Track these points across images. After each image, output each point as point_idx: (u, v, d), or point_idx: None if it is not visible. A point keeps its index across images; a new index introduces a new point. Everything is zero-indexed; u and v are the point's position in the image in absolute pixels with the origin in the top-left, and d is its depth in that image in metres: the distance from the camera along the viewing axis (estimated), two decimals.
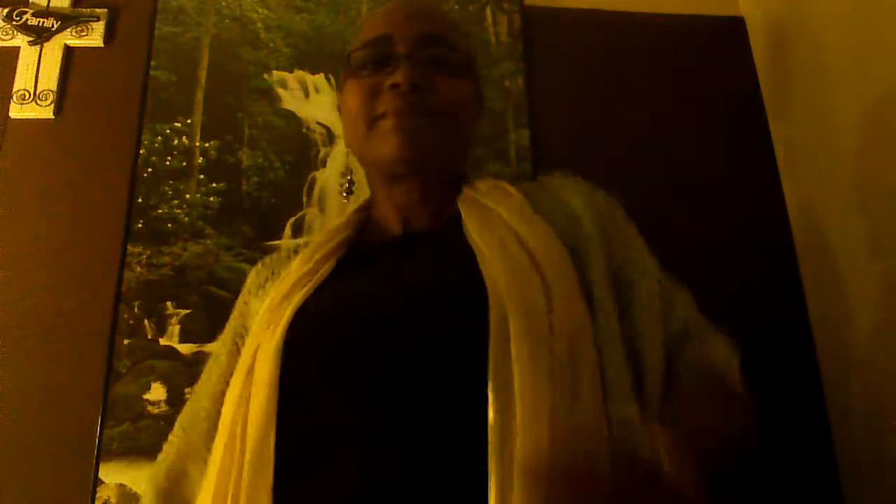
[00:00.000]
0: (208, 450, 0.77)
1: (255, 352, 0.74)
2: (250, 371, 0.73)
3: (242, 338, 0.85)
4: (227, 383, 0.80)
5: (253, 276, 0.93)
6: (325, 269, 0.80)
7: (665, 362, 0.76)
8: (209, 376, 0.87)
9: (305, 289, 0.77)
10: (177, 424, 0.86)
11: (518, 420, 0.60)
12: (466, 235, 0.76)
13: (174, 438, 0.85)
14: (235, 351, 0.85)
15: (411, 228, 0.84)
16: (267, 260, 0.94)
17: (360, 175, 0.94)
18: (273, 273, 0.89)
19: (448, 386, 0.66)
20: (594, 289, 0.73)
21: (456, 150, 0.87)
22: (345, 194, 0.96)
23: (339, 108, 0.92)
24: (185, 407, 0.88)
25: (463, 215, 0.78)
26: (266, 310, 0.79)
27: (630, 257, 0.81)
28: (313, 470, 0.66)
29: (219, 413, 0.79)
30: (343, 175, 0.91)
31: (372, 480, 0.64)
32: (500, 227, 0.75)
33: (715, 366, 0.79)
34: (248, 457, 0.68)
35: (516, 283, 0.68)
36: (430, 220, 0.84)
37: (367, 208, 0.92)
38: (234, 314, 0.91)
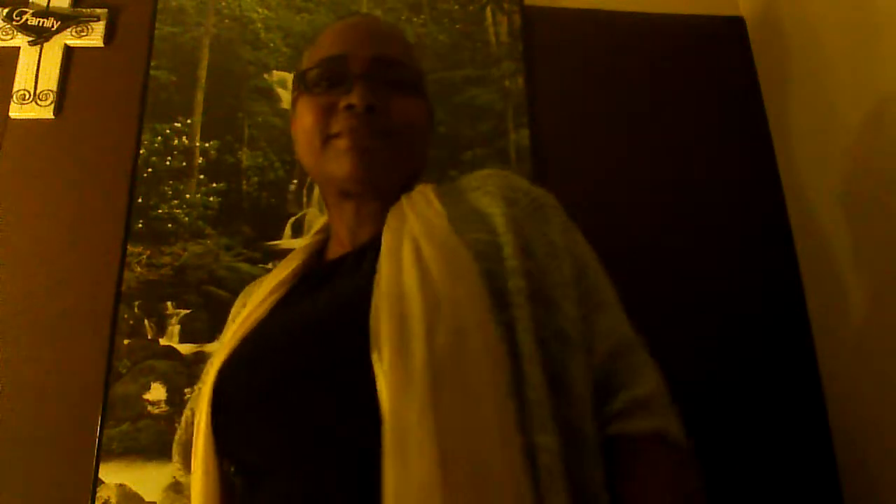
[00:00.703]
0: None
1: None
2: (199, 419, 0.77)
3: None
4: None
5: (233, 310, 0.97)
6: (272, 300, 0.82)
7: (593, 388, 0.71)
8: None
9: (247, 324, 0.80)
10: None
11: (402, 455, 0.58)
12: (381, 252, 0.73)
13: None
14: None
15: (357, 245, 0.84)
16: (246, 289, 0.98)
17: None
18: (243, 306, 0.89)
19: (336, 402, 0.67)
20: (511, 309, 0.68)
21: (409, 169, 0.87)
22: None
23: (291, 122, 0.92)
24: None
25: (384, 230, 0.76)
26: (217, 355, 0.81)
27: (550, 267, 0.74)
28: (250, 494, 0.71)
29: None
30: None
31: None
32: (407, 242, 0.71)
33: (653, 422, 0.72)
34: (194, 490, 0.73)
35: (396, 305, 0.65)
36: (371, 237, 0.82)
37: (325, 230, 0.93)
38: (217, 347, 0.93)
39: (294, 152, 1.36)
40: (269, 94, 1.41)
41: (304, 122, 0.84)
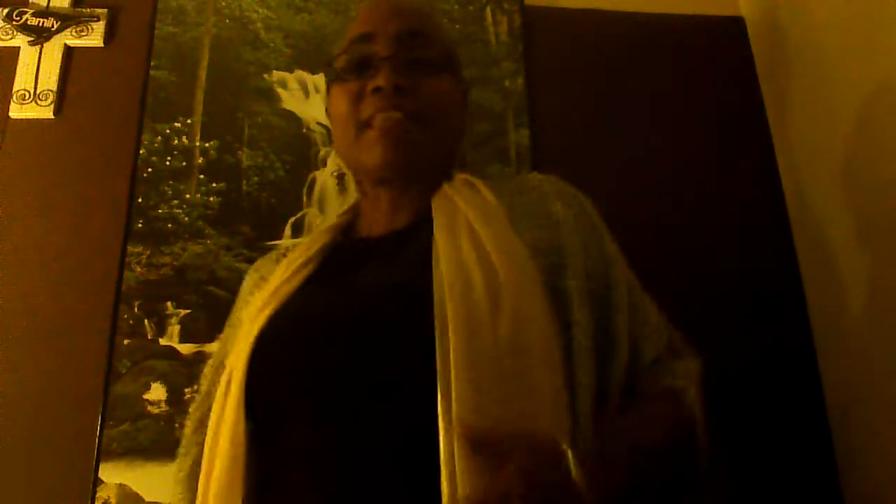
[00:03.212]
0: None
1: (230, 370, 0.75)
2: (225, 389, 0.75)
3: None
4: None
5: (245, 282, 0.92)
6: (297, 280, 0.80)
7: (626, 385, 0.76)
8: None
9: (276, 298, 0.77)
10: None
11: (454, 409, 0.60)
12: (433, 239, 0.75)
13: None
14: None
15: (394, 229, 0.84)
16: (258, 263, 0.93)
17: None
18: (262, 279, 0.88)
19: (395, 387, 0.66)
20: (570, 302, 0.71)
21: (443, 150, 0.86)
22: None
23: (327, 113, 0.92)
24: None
25: (434, 214, 0.77)
26: (243, 326, 0.79)
27: (607, 273, 0.78)
28: (280, 479, 0.68)
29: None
30: (333, 175, 0.91)
31: (330, 486, 0.65)
32: (463, 228, 0.73)
33: (673, 383, 0.78)
34: (216, 471, 0.70)
35: (461, 289, 0.67)
36: (410, 220, 0.83)
37: (354, 210, 0.92)
38: (228, 324, 0.90)
39: (294, 152, 1.37)
40: (269, 94, 1.41)
41: (338, 110, 0.84)
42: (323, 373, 0.69)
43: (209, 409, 0.78)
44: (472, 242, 0.71)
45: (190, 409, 0.86)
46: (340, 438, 0.66)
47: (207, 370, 0.87)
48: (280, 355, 0.73)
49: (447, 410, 0.61)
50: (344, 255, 0.84)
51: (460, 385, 0.61)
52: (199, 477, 0.75)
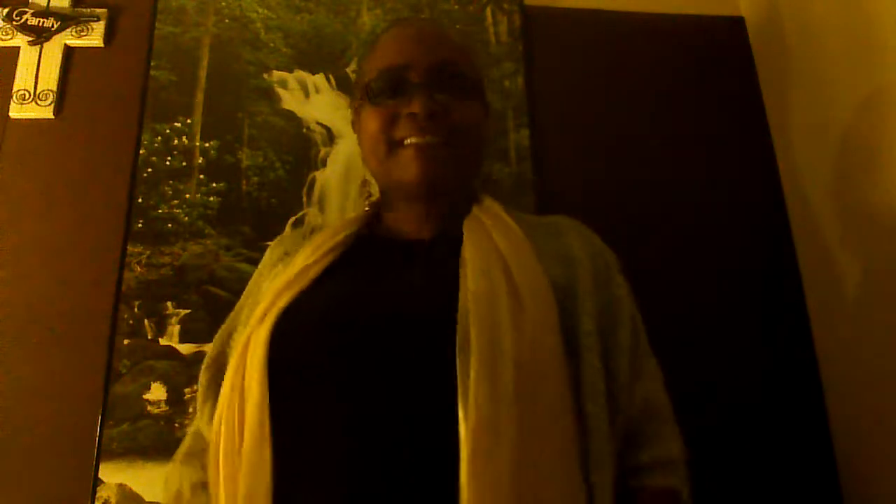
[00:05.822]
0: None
1: (248, 340, 0.79)
2: (242, 357, 0.78)
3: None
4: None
5: (267, 254, 0.97)
6: (323, 264, 0.84)
7: (621, 444, 0.80)
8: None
9: (300, 283, 0.82)
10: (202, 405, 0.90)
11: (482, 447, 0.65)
12: (461, 256, 0.80)
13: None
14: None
15: (417, 237, 0.89)
16: (283, 238, 0.98)
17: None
18: (286, 254, 0.92)
19: (415, 400, 0.70)
20: (581, 334, 0.78)
21: (469, 168, 0.93)
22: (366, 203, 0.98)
23: (353, 126, 0.97)
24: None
25: (465, 237, 0.82)
26: (266, 298, 0.82)
27: (613, 328, 0.84)
28: (303, 461, 0.71)
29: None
30: (362, 185, 0.97)
31: (351, 476, 0.68)
32: (493, 256, 0.79)
33: (672, 481, 0.82)
34: (245, 447, 0.72)
35: (487, 316, 0.71)
36: (435, 231, 0.89)
37: (374, 208, 0.97)
38: (246, 293, 0.95)
39: (294, 152, 1.37)
40: (269, 94, 1.41)
41: (369, 129, 0.89)
42: (349, 360, 0.73)
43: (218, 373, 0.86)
44: (504, 273, 0.76)
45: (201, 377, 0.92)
46: (360, 424, 0.70)
47: (218, 337, 0.93)
48: (306, 342, 0.76)
49: (466, 419, 0.65)
50: (369, 250, 0.88)
51: (479, 400, 0.66)
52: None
